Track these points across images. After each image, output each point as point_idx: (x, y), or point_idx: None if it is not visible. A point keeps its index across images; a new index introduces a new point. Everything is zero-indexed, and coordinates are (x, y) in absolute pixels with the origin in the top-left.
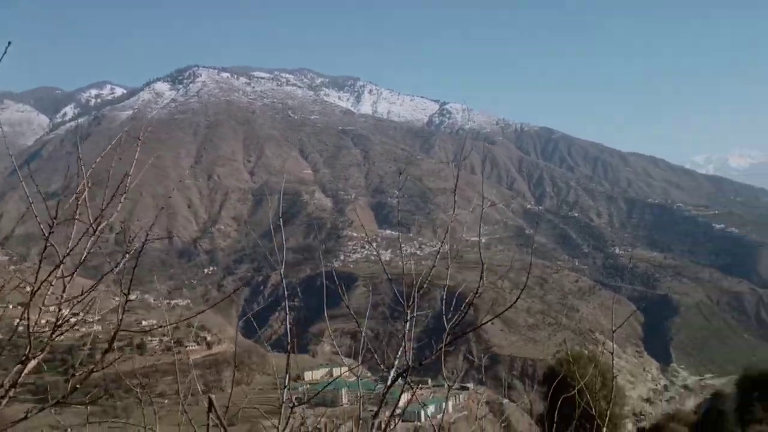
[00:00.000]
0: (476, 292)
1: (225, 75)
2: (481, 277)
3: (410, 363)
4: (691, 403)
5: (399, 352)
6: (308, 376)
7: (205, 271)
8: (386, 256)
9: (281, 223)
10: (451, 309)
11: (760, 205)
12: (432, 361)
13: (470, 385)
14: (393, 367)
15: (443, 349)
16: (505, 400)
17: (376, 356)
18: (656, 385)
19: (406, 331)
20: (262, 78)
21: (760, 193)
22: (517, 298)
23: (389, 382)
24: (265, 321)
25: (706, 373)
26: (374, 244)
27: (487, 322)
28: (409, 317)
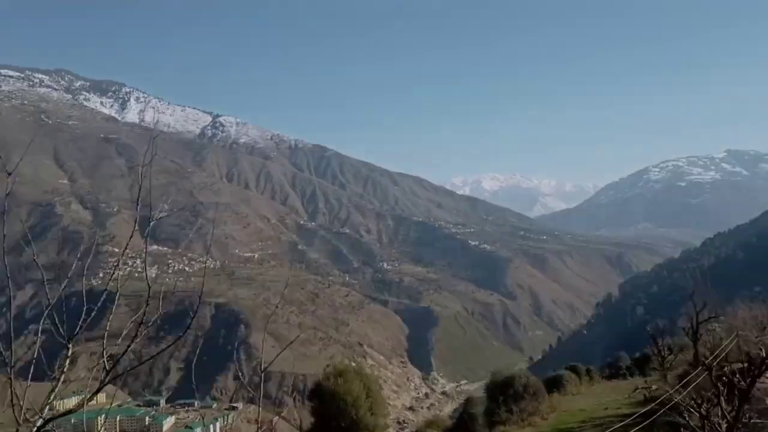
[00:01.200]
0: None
1: None
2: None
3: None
4: (448, 409)
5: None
6: (60, 405)
7: None
8: (152, 272)
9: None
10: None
11: (507, 224)
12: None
13: (239, 405)
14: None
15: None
16: (276, 417)
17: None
18: (418, 394)
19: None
20: (9, 77)
21: (507, 213)
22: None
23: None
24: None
25: (462, 380)
26: (139, 260)
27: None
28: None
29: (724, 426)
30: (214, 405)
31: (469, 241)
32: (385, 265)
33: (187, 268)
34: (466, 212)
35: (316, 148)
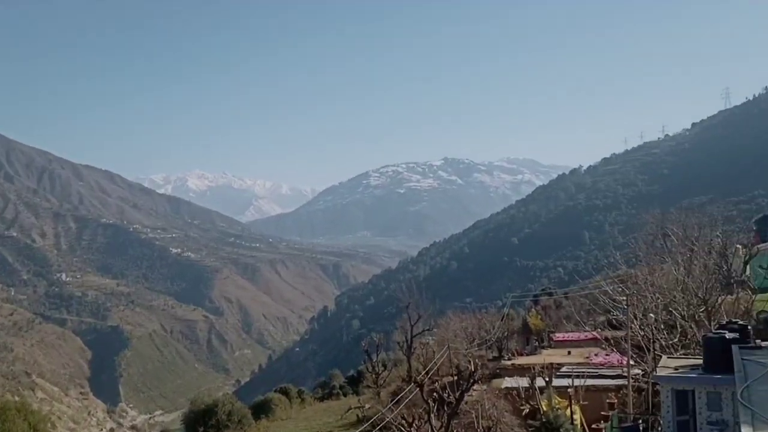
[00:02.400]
0: None
1: None
2: None
3: None
4: None
5: None
6: None
7: None
8: None
9: None
10: None
11: (215, 229)
12: None
13: None
14: None
15: None
16: None
17: None
18: (102, 430)
19: None
20: None
21: (215, 216)
22: None
23: None
24: None
25: (156, 410)
26: None
27: None
28: None
29: None
30: None
31: (170, 249)
32: (63, 276)
33: None
34: (168, 215)
35: None
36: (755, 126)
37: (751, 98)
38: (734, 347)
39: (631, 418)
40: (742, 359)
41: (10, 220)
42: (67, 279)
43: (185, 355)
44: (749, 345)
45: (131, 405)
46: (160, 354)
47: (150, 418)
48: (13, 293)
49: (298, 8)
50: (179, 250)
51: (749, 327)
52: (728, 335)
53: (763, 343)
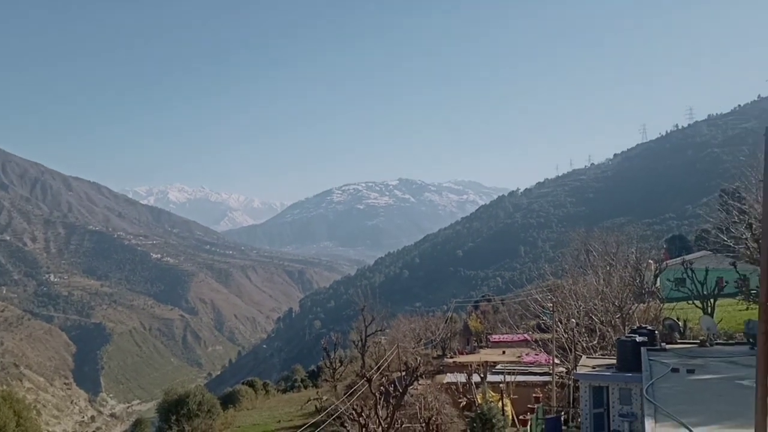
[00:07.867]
0: None
1: None
2: None
3: None
4: (118, 431)
5: None
6: None
7: None
8: None
9: None
10: None
11: (193, 237)
12: None
13: None
14: None
15: None
16: None
17: None
18: (83, 417)
19: None
20: None
21: (193, 226)
22: None
23: None
24: None
25: (134, 400)
26: None
27: None
28: None
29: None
30: None
31: (151, 254)
32: (51, 277)
33: None
34: (149, 223)
35: None
36: (667, 158)
37: (664, 134)
38: (643, 349)
39: (555, 411)
40: (650, 360)
41: (4, 225)
42: (55, 279)
43: (162, 350)
44: (656, 348)
45: (111, 395)
46: (138, 349)
47: (128, 407)
48: (4, 291)
49: (275, 42)
50: (159, 255)
51: (657, 332)
52: (638, 339)
53: (668, 346)
